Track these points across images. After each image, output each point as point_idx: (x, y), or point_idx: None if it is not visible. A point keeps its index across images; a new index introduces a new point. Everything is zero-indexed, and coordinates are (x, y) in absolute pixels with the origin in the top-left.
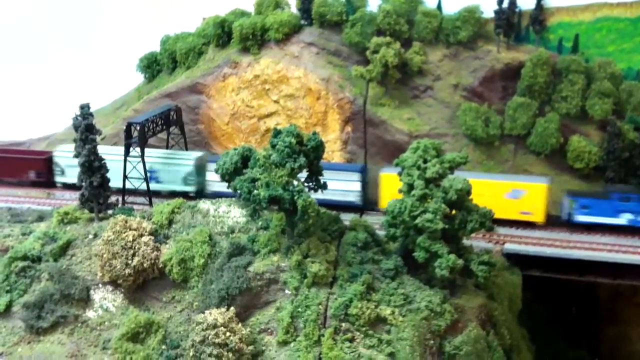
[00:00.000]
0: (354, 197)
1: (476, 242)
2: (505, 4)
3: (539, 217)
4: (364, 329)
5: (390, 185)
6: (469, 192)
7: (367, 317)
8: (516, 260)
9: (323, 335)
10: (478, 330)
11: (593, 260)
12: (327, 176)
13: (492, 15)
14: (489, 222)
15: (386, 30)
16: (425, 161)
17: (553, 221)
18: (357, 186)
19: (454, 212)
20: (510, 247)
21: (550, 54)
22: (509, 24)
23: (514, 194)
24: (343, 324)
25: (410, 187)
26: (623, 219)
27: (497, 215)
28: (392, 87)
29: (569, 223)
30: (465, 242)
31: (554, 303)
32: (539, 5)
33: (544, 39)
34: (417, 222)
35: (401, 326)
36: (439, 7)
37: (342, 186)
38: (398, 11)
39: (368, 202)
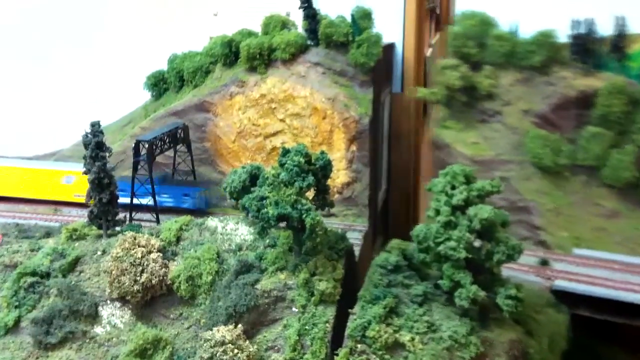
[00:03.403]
0: None
1: (524, 275)
2: (582, 29)
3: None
4: (380, 352)
5: None
6: (503, 223)
7: (384, 340)
8: (565, 298)
9: (337, 354)
10: None
11: None
12: None
13: (569, 40)
14: (518, 255)
15: (455, 52)
16: (453, 187)
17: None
18: None
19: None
20: (560, 283)
21: (628, 82)
22: (585, 49)
23: (67, 180)
24: (359, 345)
25: (437, 212)
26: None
27: (58, 197)
28: (457, 110)
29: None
30: (504, 274)
31: (606, 343)
32: (620, 32)
33: (625, 67)
34: (440, 249)
35: (419, 354)
36: (513, 30)
37: None
38: (468, 34)
39: None
